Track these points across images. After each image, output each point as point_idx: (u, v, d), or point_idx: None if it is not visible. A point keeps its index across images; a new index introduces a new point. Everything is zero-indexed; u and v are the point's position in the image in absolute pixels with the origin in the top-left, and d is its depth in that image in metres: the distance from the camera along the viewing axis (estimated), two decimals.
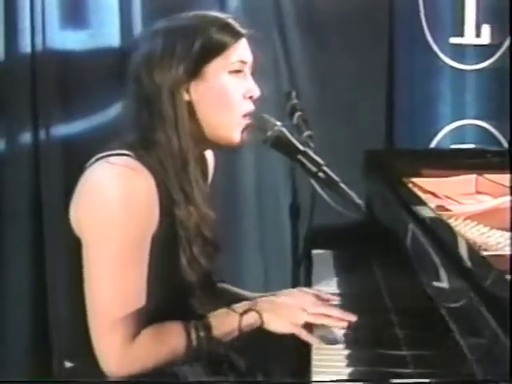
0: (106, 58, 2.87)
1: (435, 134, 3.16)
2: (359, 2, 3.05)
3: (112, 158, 1.50)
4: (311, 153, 1.59)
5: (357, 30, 3.04)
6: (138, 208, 1.47)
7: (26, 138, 2.84)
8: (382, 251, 1.93)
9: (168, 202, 1.52)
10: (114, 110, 2.91)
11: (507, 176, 2.02)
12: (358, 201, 1.56)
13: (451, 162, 2.30)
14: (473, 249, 1.36)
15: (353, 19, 3.05)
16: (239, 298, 1.77)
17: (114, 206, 1.45)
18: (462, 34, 3.15)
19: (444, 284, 1.33)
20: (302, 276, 2.13)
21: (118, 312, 1.47)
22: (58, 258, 2.83)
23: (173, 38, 1.54)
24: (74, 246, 1.53)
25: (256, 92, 1.60)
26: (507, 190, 1.94)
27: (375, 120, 3.12)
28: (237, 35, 1.57)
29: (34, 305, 2.85)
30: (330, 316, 1.53)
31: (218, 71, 1.55)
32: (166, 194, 1.51)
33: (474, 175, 2.16)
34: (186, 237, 1.54)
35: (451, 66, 3.15)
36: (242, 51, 1.58)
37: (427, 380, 1.35)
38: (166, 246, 1.52)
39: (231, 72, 1.56)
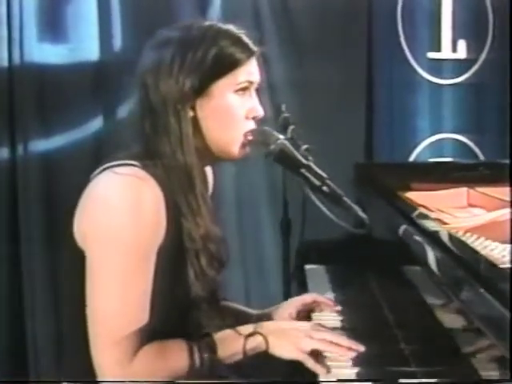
0: (85, 72, 2.85)
1: (414, 148, 3.20)
2: (338, 16, 3.06)
3: (118, 168, 1.46)
4: (314, 166, 1.57)
5: (335, 45, 3.06)
6: (145, 218, 1.43)
7: (3, 153, 2.79)
8: (378, 264, 1.92)
9: (175, 213, 1.48)
10: (93, 125, 2.88)
11: (498, 189, 2.03)
12: (362, 215, 1.53)
13: (440, 175, 2.30)
14: (491, 262, 1.36)
15: (331, 33, 3.06)
16: (241, 316, 1.74)
17: (120, 217, 1.41)
18: (439, 49, 3.20)
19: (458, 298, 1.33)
20: (293, 291, 2.12)
21: (120, 327, 1.42)
22: (36, 273, 2.81)
23: (184, 48, 1.50)
24: (71, 261, 1.49)
25: (260, 112, 1.56)
26: (500, 203, 1.94)
27: (354, 134, 3.12)
28: (248, 52, 1.54)
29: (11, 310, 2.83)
30: (337, 344, 1.46)
31: (224, 90, 1.51)
32: (172, 204, 1.47)
33: (465, 188, 2.17)
34: (193, 249, 1.50)
35: (429, 81, 3.19)
36: (250, 71, 1.54)
37: (432, 380, 1.34)
38: (173, 258, 1.48)
39: (237, 91, 1.53)
